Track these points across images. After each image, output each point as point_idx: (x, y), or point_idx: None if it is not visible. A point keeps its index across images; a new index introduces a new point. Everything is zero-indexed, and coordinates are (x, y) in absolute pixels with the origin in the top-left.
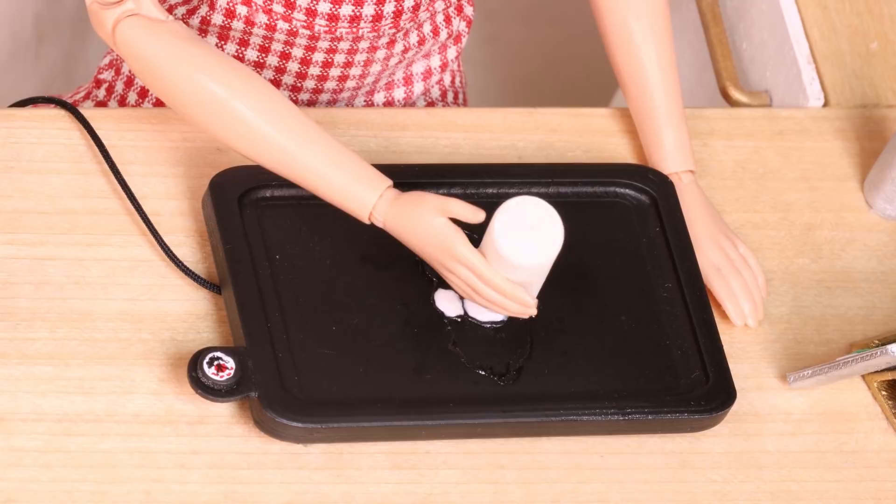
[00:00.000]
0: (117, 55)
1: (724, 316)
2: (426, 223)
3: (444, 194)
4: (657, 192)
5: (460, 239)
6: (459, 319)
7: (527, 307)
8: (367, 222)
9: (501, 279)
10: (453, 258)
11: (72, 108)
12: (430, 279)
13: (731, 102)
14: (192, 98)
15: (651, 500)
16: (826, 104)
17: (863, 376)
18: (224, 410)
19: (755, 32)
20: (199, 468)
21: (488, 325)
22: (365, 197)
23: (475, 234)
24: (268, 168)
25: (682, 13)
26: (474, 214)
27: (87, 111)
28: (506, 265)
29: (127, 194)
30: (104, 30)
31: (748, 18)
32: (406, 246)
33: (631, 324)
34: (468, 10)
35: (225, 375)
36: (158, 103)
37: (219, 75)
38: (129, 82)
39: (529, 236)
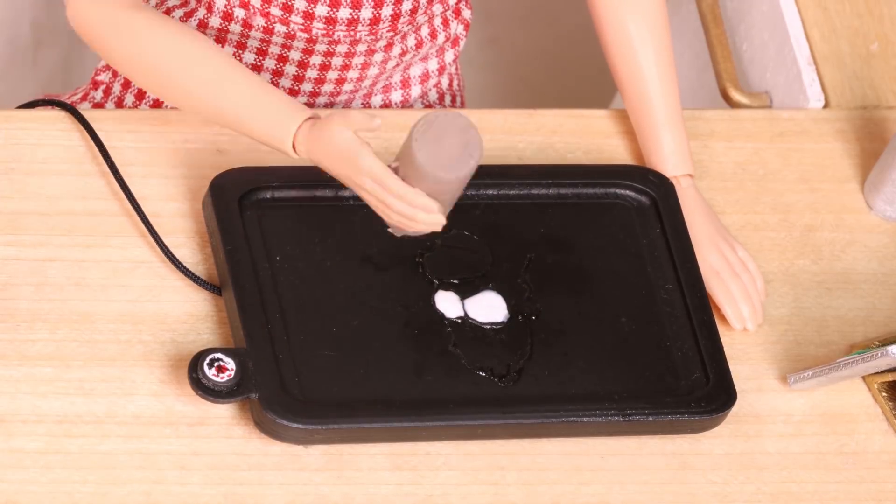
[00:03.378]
0: None
1: (725, 318)
2: (334, 138)
3: None
4: (657, 193)
5: (364, 150)
6: (460, 321)
7: (430, 212)
8: (295, 155)
9: (406, 187)
10: (358, 170)
11: (72, 110)
12: (430, 280)
13: (732, 104)
14: (131, 62)
15: (651, 502)
16: (826, 105)
17: (863, 378)
18: (224, 412)
19: (755, 33)
20: (200, 469)
21: (489, 327)
22: (285, 129)
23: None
24: (193, 111)
25: (682, 14)
26: (369, 120)
27: (88, 112)
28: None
29: (127, 196)
30: (67, 8)
31: (748, 19)
32: (324, 170)
33: (631, 325)
34: (466, 14)
35: (225, 377)
36: (156, 104)
37: (152, 35)
38: (127, 84)
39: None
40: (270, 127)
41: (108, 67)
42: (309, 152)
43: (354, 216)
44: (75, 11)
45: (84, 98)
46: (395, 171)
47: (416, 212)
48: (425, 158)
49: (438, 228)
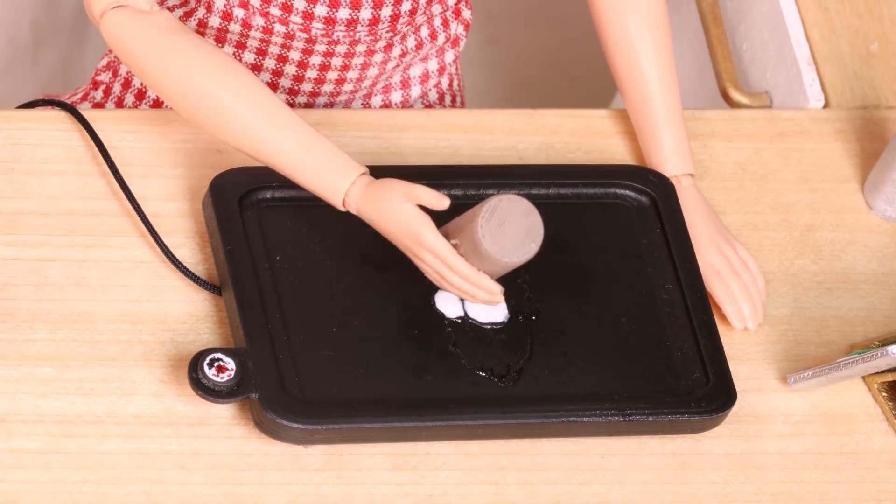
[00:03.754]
0: (115, 57)
1: (725, 318)
2: (395, 209)
3: (446, 194)
4: (657, 193)
5: (427, 225)
6: (460, 321)
7: (492, 294)
8: (342, 209)
9: (467, 267)
10: (420, 245)
11: (72, 110)
12: (430, 280)
13: (732, 104)
14: (173, 89)
15: (651, 502)
16: (826, 105)
17: (863, 378)
18: (224, 412)
19: (755, 34)
20: (200, 469)
21: (489, 327)
22: (338, 184)
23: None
24: (246, 153)
25: (683, 14)
26: (439, 201)
27: (88, 112)
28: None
29: (127, 196)
30: (92, 15)
31: (748, 20)
32: (378, 231)
33: (631, 325)
34: (466, 14)
35: (225, 377)
36: (156, 104)
37: (199, 65)
38: (127, 84)
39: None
40: (322, 177)
41: (108, 67)
42: (361, 211)
43: (354, 216)
44: (113, 33)
45: (84, 98)
46: (456, 247)
47: (476, 290)
48: (490, 245)
49: (498, 301)
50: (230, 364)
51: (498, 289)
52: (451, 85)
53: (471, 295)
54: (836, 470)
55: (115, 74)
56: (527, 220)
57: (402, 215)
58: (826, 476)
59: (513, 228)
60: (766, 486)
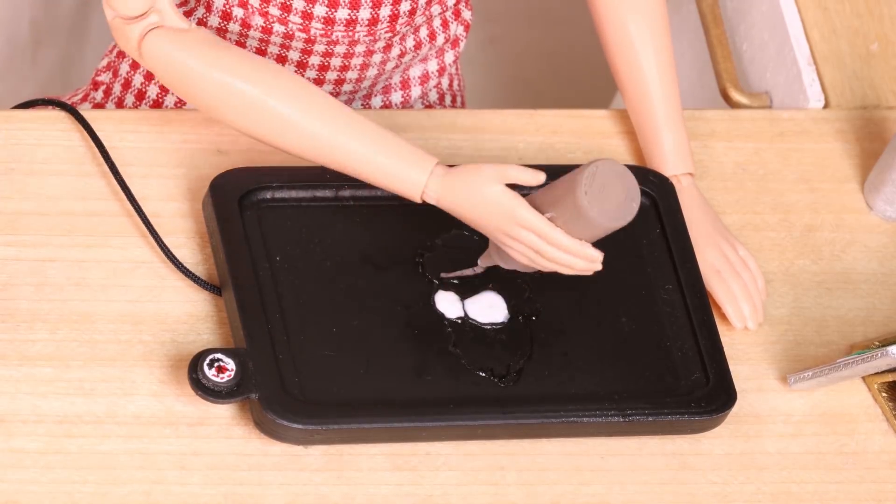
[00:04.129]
0: (115, 57)
1: (725, 318)
2: (484, 193)
3: None
4: (657, 193)
5: (521, 202)
6: (460, 321)
7: (594, 262)
8: (420, 202)
9: (568, 239)
10: (516, 223)
11: (72, 110)
12: (430, 280)
13: (732, 104)
14: (226, 102)
15: (651, 502)
16: (826, 105)
17: (863, 378)
18: (224, 412)
19: (755, 34)
20: (200, 469)
21: (489, 327)
22: (415, 177)
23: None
24: (313, 161)
25: (683, 14)
26: (535, 177)
27: (88, 113)
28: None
29: (127, 196)
30: (129, 44)
31: (748, 20)
32: (461, 220)
33: (631, 325)
34: (466, 15)
35: (225, 377)
36: (156, 104)
37: (250, 76)
38: (127, 84)
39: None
40: (397, 172)
41: (108, 68)
42: (443, 201)
43: (354, 216)
44: (157, 56)
45: (84, 99)
46: (552, 220)
47: (576, 260)
48: (597, 212)
49: (597, 269)
50: (230, 364)
51: (599, 255)
52: (451, 85)
53: (570, 265)
54: (836, 470)
55: (115, 75)
56: (624, 181)
57: (492, 197)
58: (826, 476)
59: (614, 191)
60: (766, 486)
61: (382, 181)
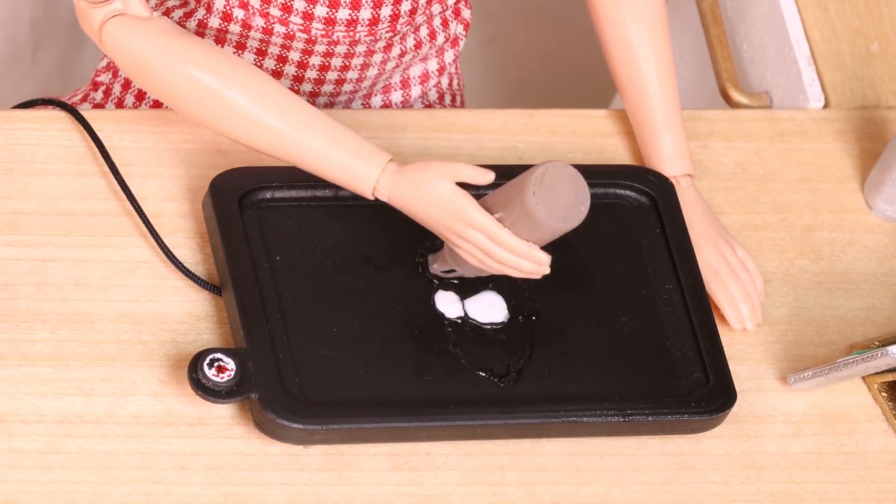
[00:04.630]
0: None
1: (725, 318)
2: (433, 190)
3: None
4: (657, 193)
5: (469, 202)
6: (460, 321)
7: (542, 265)
8: (371, 198)
9: (514, 239)
10: (464, 222)
11: (72, 110)
12: (430, 280)
13: (732, 104)
14: (184, 92)
15: (651, 502)
16: (826, 105)
17: (863, 378)
18: (224, 412)
19: (755, 34)
20: (200, 469)
21: (489, 327)
22: (366, 172)
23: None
24: (267, 154)
25: (683, 14)
26: (483, 176)
27: (88, 112)
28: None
29: (127, 196)
30: (91, 28)
31: (748, 20)
32: (412, 217)
33: (631, 325)
34: (466, 14)
35: (225, 377)
36: (156, 105)
37: (208, 66)
38: (127, 85)
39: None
40: (350, 167)
41: (108, 68)
42: (393, 198)
43: (354, 216)
44: (116, 43)
45: (84, 99)
46: (501, 221)
47: (523, 262)
48: (544, 213)
49: (545, 272)
50: (230, 364)
51: (547, 258)
52: (450, 84)
53: (517, 268)
54: (836, 470)
55: (115, 75)
56: (574, 184)
57: (442, 195)
58: (826, 476)
59: (563, 193)
60: (766, 486)
61: (336, 176)
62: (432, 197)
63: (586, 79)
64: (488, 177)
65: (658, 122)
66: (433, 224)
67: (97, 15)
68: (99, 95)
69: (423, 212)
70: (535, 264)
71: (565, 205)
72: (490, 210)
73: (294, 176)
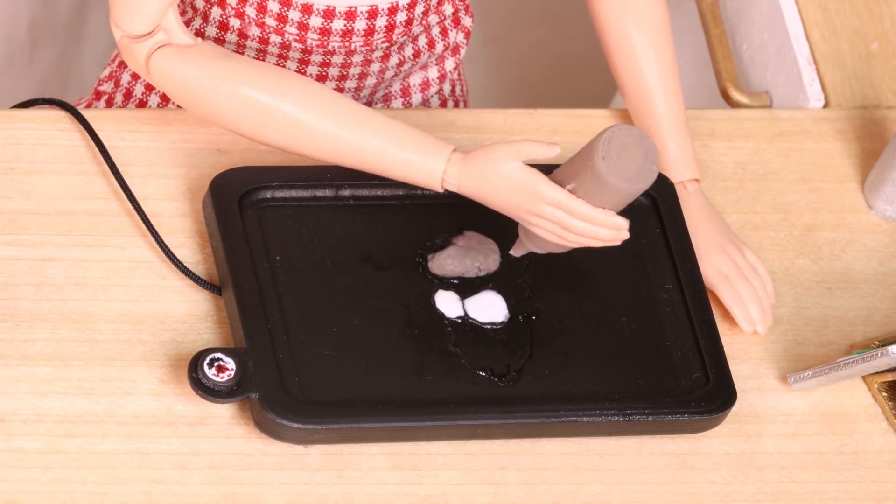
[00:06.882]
0: (117, 67)
1: (725, 318)
2: (502, 173)
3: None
4: (657, 193)
5: (540, 178)
6: (460, 320)
7: (621, 230)
8: (441, 190)
9: (591, 208)
10: (539, 199)
11: (72, 110)
12: (430, 280)
13: (732, 103)
14: (240, 112)
15: (651, 502)
16: (826, 105)
17: (863, 377)
18: (224, 411)
19: (755, 33)
20: (200, 469)
21: (489, 327)
22: (433, 166)
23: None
24: (330, 161)
25: (683, 14)
26: (548, 150)
27: (87, 112)
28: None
29: (127, 195)
30: (137, 63)
31: (748, 19)
32: (485, 204)
33: (631, 325)
34: (466, 22)
35: (225, 376)
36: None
37: (259, 83)
38: (129, 94)
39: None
40: (414, 163)
41: (110, 77)
42: (463, 187)
43: (354, 216)
44: (164, 73)
45: (87, 108)
46: (573, 192)
47: (602, 230)
48: (616, 176)
49: (625, 237)
50: (230, 364)
51: (625, 223)
52: (453, 90)
53: (596, 237)
54: (836, 470)
55: (116, 85)
56: (641, 144)
57: (512, 176)
58: (826, 476)
59: (632, 155)
60: (766, 485)
61: (401, 173)
62: (502, 180)
63: (587, 79)
64: (554, 150)
65: (663, 128)
66: (507, 207)
67: (142, 49)
68: (101, 105)
69: (496, 196)
70: (614, 231)
71: (636, 166)
72: (561, 184)
73: (294, 176)
